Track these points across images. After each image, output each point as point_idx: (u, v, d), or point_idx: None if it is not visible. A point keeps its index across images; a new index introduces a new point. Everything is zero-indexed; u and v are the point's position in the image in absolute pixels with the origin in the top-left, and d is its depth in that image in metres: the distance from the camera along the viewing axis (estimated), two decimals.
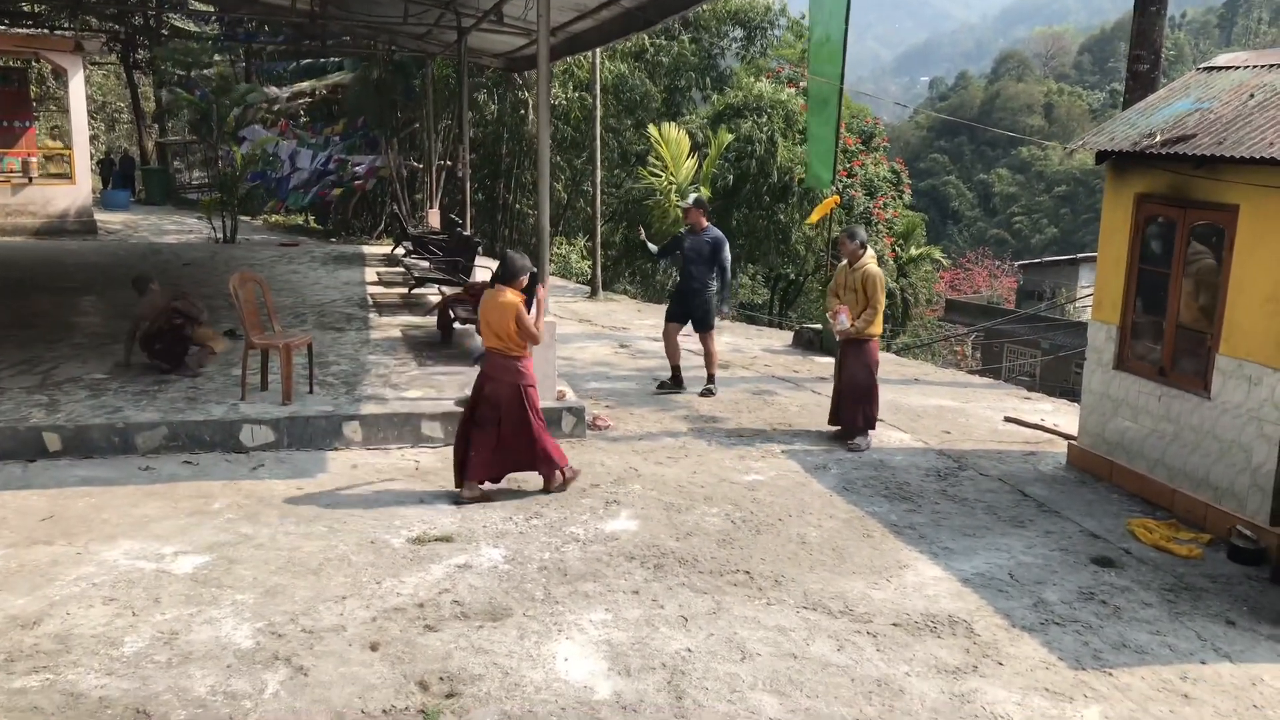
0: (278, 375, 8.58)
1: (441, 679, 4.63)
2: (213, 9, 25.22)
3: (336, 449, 8.06)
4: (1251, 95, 7.13)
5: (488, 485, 7.11)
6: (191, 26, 28.18)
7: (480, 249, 15.18)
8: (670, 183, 21.37)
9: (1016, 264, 49.85)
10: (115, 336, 10.78)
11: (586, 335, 13.24)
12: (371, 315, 12.79)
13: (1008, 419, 10.01)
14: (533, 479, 7.40)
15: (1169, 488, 7.32)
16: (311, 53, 25.08)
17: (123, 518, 6.44)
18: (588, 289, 18.33)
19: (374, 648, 4.89)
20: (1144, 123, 7.74)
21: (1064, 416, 10.10)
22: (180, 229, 23.30)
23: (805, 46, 22.03)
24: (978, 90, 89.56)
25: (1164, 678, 4.94)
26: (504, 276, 6.98)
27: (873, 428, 8.83)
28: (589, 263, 21.70)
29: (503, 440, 6.99)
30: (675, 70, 28.11)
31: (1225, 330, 6.81)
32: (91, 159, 25.08)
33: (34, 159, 21.59)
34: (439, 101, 22.92)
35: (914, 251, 27.98)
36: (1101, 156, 7.97)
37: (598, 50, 16.37)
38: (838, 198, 14.51)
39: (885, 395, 8.96)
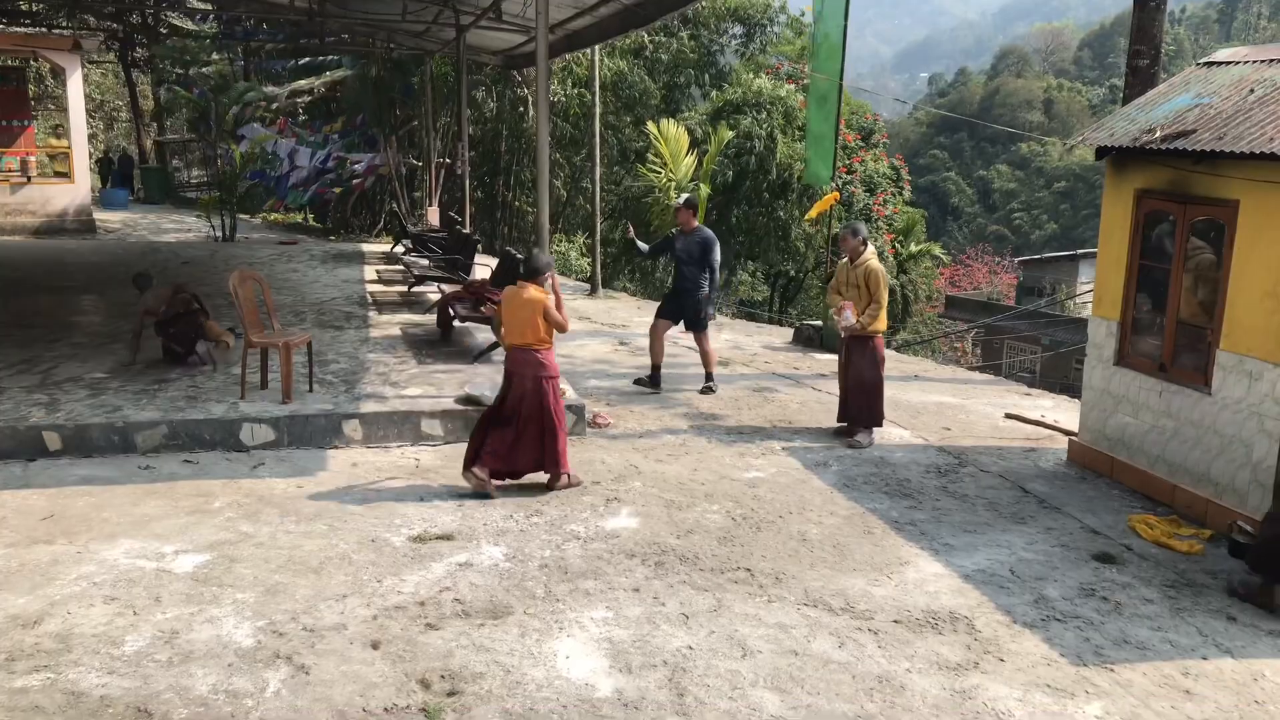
0: (277, 374, 8.57)
1: (443, 677, 4.63)
2: (211, 7, 25.19)
3: (336, 447, 8.06)
4: (1251, 90, 7.12)
5: (495, 482, 7.10)
6: (189, 25, 28.15)
7: (479, 247, 15.18)
8: (670, 180, 21.36)
9: (1016, 260, 49.85)
10: (115, 335, 10.79)
11: (586, 333, 13.23)
12: (371, 313, 12.78)
13: (1008, 415, 10.01)
14: (532, 477, 7.40)
15: (1170, 483, 7.31)
16: (310, 50, 25.06)
17: (123, 517, 6.44)
18: (587, 286, 18.32)
19: (375, 646, 4.89)
20: (1144, 118, 7.73)
21: (1064, 413, 10.10)
22: (179, 227, 23.30)
23: (805, 43, 22.04)
24: (977, 86, 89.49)
25: (1165, 673, 4.94)
26: (528, 273, 7.14)
27: (879, 424, 8.82)
28: (588, 260, 21.70)
29: (519, 436, 7.06)
30: (674, 67, 28.10)
31: (1226, 326, 6.81)
32: (90, 158, 25.05)
33: (32, 158, 21.58)
34: (438, 99, 22.91)
35: (914, 248, 27.97)
36: (1101, 152, 7.96)
37: (597, 47, 16.35)
38: (837, 194, 14.49)
39: (886, 392, 8.94)
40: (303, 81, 24.74)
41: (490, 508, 6.83)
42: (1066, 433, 8.99)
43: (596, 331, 13.52)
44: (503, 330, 7.27)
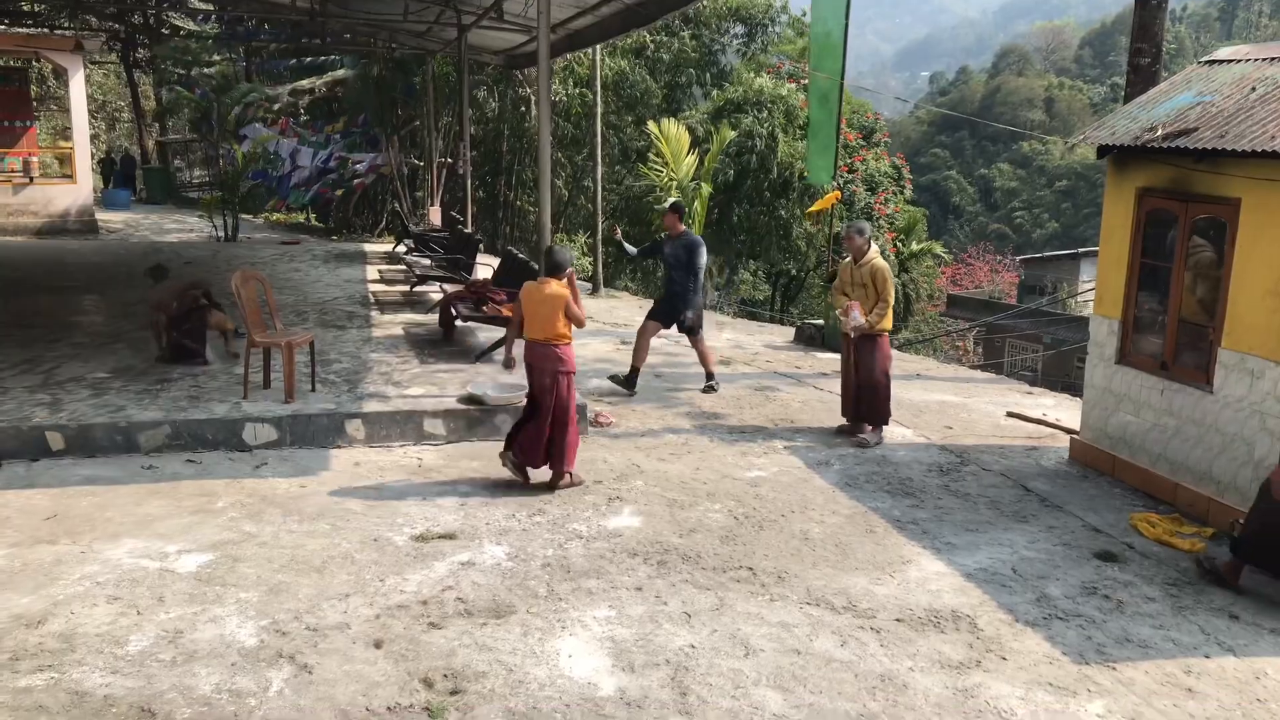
0: (280, 373, 8.58)
1: (446, 676, 4.63)
2: (212, 7, 25.24)
3: (339, 447, 8.07)
4: (1253, 89, 7.12)
5: (530, 473, 7.29)
6: (191, 25, 28.19)
7: (481, 246, 15.19)
8: (671, 179, 21.36)
9: (1018, 259, 49.85)
10: (118, 335, 10.81)
11: (588, 332, 13.22)
12: (373, 313, 12.79)
13: (1010, 414, 10.01)
14: (536, 474, 7.41)
15: (1171, 482, 7.32)
16: (311, 50, 25.09)
17: (126, 516, 6.45)
18: (589, 285, 18.33)
19: (378, 645, 4.90)
20: (1145, 117, 7.73)
21: (1066, 411, 10.10)
22: (181, 228, 23.32)
23: (806, 43, 22.03)
24: (978, 85, 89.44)
25: (1167, 672, 4.94)
26: (549, 269, 7.25)
27: (886, 423, 8.80)
28: (590, 259, 21.71)
29: (539, 429, 7.15)
30: (676, 67, 28.10)
31: (1227, 324, 6.81)
32: (92, 158, 25.08)
33: (35, 159, 21.60)
34: (439, 99, 22.92)
35: (915, 247, 27.97)
36: (1103, 151, 7.96)
37: (598, 47, 16.37)
38: (839, 193, 14.50)
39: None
40: (304, 81, 24.76)
41: (492, 507, 6.83)
42: (1068, 431, 9.00)
43: (598, 331, 13.53)
44: (523, 325, 7.34)
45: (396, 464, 7.74)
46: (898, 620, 5.37)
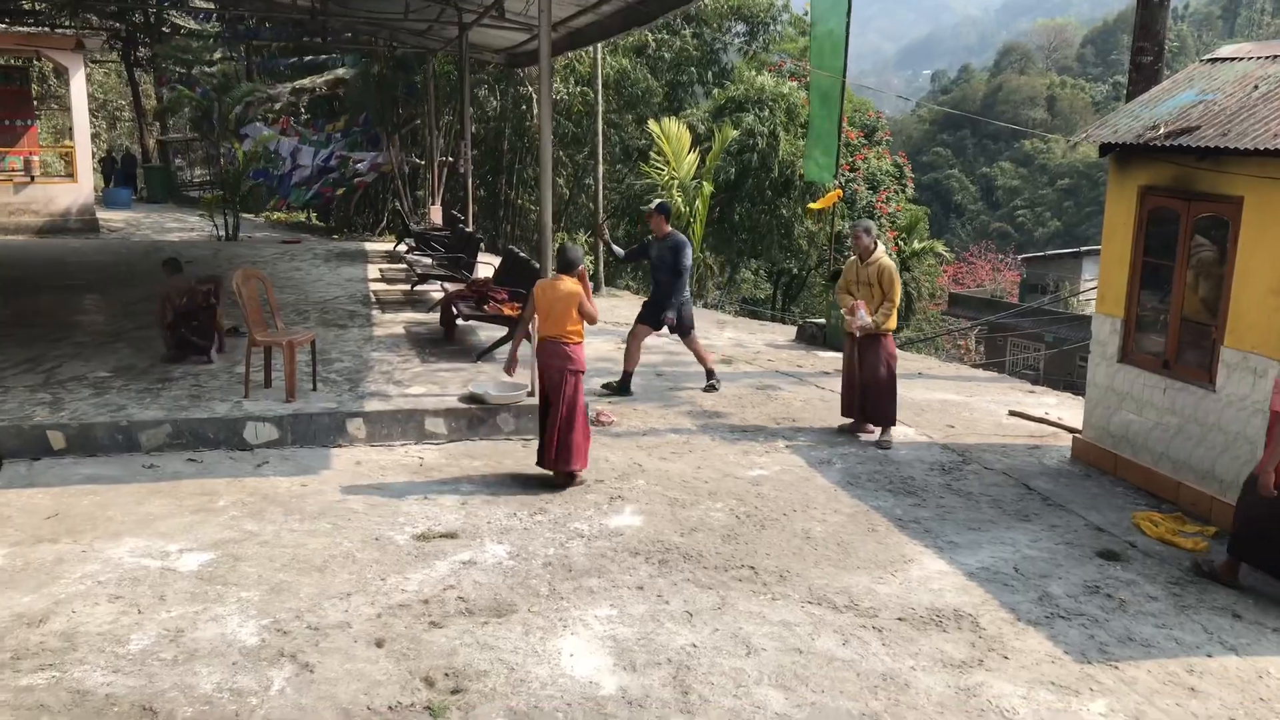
0: (281, 372, 8.58)
1: (447, 675, 4.63)
2: (213, 6, 25.24)
3: (340, 446, 8.06)
4: (1255, 87, 7.11)
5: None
6: (192, 24, 28.20)
7: (482, 245, 15.18)
8: (672, 178, 21.35)
9: (1020, 257, 49.82)
10: (119, 335, 10.81)
11: (589, 331, 13.20)
12: (374, 312, 12.79)
13: (1012, 413, 10.00)
14: (535, 475, 7.41)
15: (1174, 480, 7.31)
16: (312, 49, 25.08)
17: (127, 515, 6.44)
18: (590, 284, 18.31)
19: (379, 644, 4.90)
20: (1148, 115, 7.72)
21: (1068, 410, 10.09)
22: (182, 227, 23.33)
23: (808, 41, 22.00)
24: (980, 83, 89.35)
25: (1170, 671, 4.94)
26: (563, 266, 7.31)
27: (894, 423, 8.78)
28: (591, 258, 21.69)
29: (550, 427, 7.20)
30: (677, 65, 28.09)
31: (1230, 322, 6.80)
32: (93, 157, 25.09)
33: (36, 157, 21.61)
34: (440, 97, 22.90)
35: (917, 245, 27.94)
36: (1105, 149, 7.95)
37: (599, 45, 16.35)
38: (840, 191, 14.48)
39: None
40: (305, 80, 24.76)
41: (494, 506, 6.83)
42: (1070, 430, 8.99)
43: (600, 329, 13.50)
44: (536, 322, 7.38)
45: (398, 463, 7.74)
46: (900, 619, 5.37)
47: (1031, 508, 7.21)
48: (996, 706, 4.54)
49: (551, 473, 7.30)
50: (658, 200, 10.27)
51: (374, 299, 13.76)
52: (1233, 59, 7.93)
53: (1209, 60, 8.24)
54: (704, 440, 8.62)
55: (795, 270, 28.18)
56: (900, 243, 26.55)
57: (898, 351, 9.12)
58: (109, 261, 16.99)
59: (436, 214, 19.36)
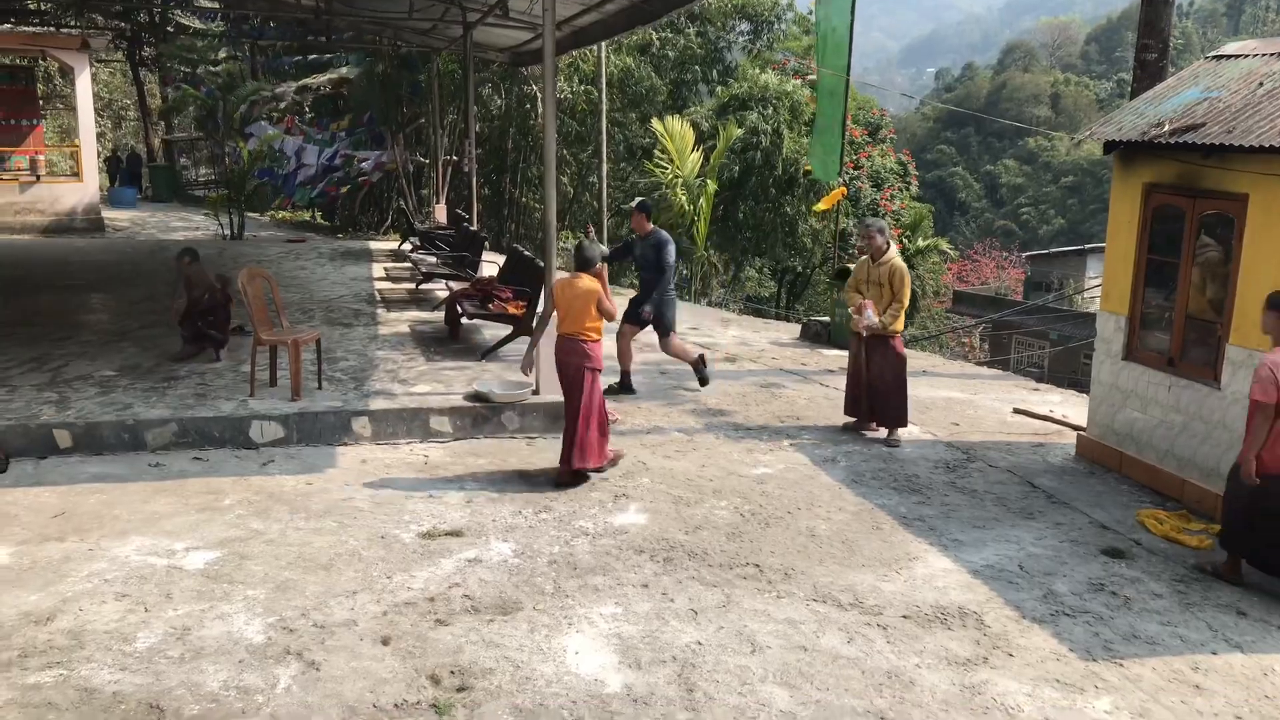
0: (286, 371, 8.60)
1: (453, 673, 4.64)
2: (218, 6, 25.25)
3: (346, 444, 8.08)
4: (1260, 84, 7.10)
5: (606, 460, 7.45)
6: (197, 23, 28.22)
7: (487, 244, 15.20)
8: (676, 176, 21.36)
9: (1024, 255, 49.74)
10: (124, 334, 10.83)
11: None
12: (379, 311, 12.80)
13: (1016, 410, 9.99)
14: (541, 473, 7.42)
15: (1179, 478, 7.30)
16: (316, 48, 25.10)
17: (134, 514, 6.46)
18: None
19: (385, 642, 4.91)
20: (1152, 112, 7.71)
21: (1073, 408, 10.09)
22: (187, 226, 23.37)
23: (812, 40, 22.01)
24: (984, 81, 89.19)
25: (1175, 668, 4.94)
26: (581, 264, 7.38)
27: (904, 424, 8.76)
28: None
29: (572, 419, 7.25)
30: (681, 64, 28.09)
31: (1235, 320, 6.79)
32: (98, 157, 25.14)
33: (41, 157, 21.66)
34: (445, 96, 22.92)
35: (921, 243, 27.90)
36: (1109, 146, 7.94)
37: (603, 44, 16.35)
38: (844, 189, 14.48)
39: None
40: (309, 79, 24.79)
41: (499, 504, 6.84)
42: (1075, 428, 8.98)
43: (606, 329, 13.52)
44: (555, 319, 7.43)
45: (403, 461, 7.75)
46: (904, 617, 5.37)
47: (1036, 505, 7.20)
48: (1001, 704, 4.55)
49: (559, 470, 7.32)
50: (638, 199, 10.16)
51: (379, 298, 13.78)
52: (1238, 56, 7.92)
53: (1214, 57, 8.23)
54: (708, 438, 8.62)
55: (799, 268, 28.16)
56: (905, 240, 26.51)
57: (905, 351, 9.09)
58: (114, 261, 17.02)
59: (441, 213, 19.38)
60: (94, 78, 26.03)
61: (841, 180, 13.97)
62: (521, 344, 10.10)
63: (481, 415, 8.45)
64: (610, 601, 5.43)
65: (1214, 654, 5.10)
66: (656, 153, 22.56)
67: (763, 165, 24.39)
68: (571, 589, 5.57)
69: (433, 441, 8.26)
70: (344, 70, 24.58)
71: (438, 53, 20.94)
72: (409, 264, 15.91)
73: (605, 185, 18.27)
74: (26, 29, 21.26)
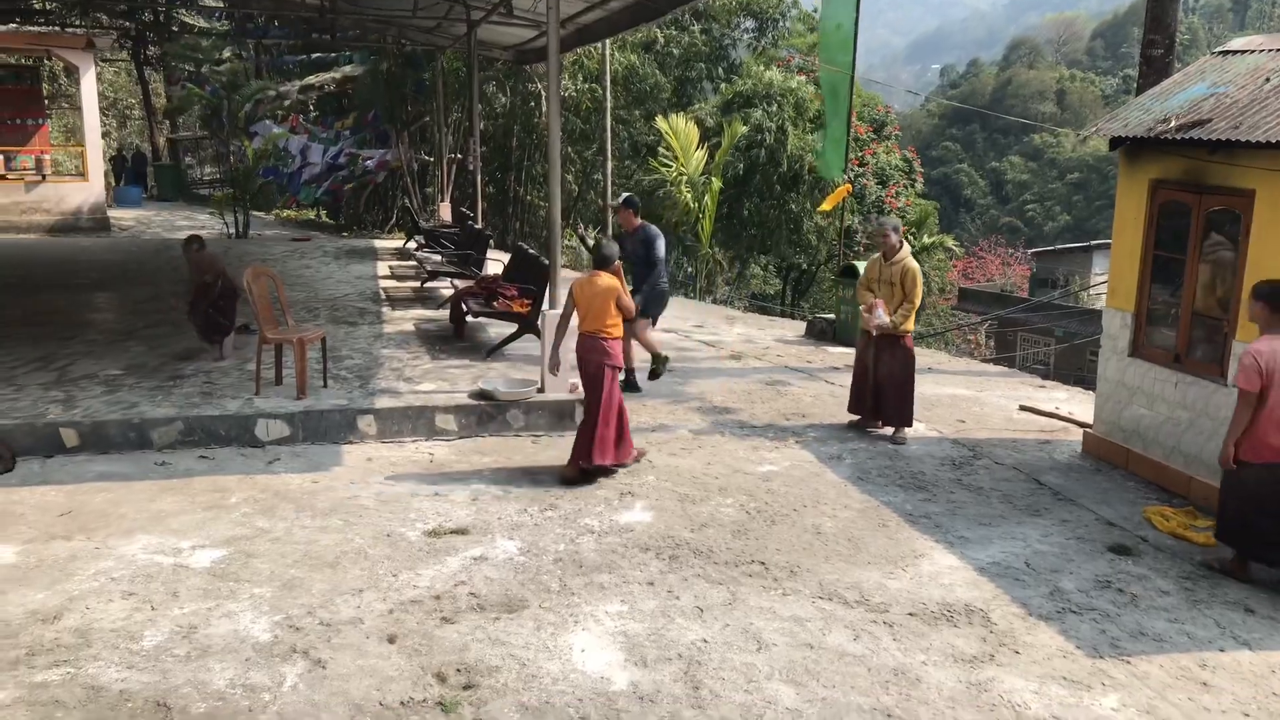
0: (292, 370, 8.61)
1: (459, 671, 4.64)
2: (222, 4, 25.28)
3: (351, 443, 8.09)
4: (1267, 79, 7.07)
5: (631, 457, 7.53)
6: (202, 22, 28.26)
7: (491, 242, 15.20)
8: (681, 174, 21.34)
9: (1029, 252, 49.66)
10: (130, 333, 10.85)
11: None
12: (384, 309, 12.81)
13: (1022, 408, 9.98)
14: (546, 471, 7.42)
15: (1185, 475, 7.28)
16: (321, 46, 25.12)
17: (140, 512, 6.47)
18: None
19: (391, 640, 4.91)
20: (1158, 108, 7.69)
21: (1079, 404, 10.07)
22: (193, 225, 23.39)
23: (816, 37, 21.98)
24: (989, 77, 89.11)
25: (1182, 665, 4.93)
26: (600, 262, 7.47)
27: (910, 424, 8.75)
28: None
29: (590, 423, 7.30)
30: (686, 61, 28.07)
31: (1241, 316, 6.76)
32: (103, 156, 25.19)
33: (47, 156, 21.70)
34: (449, 94, 22.92)
35: (927, 240, 27.88)
36: (1115, 143, 7.92)
37: (607, 41, 16.34)
38: (849, 186, 14.47)
39: None
40: (313, 77, 24.80)
41: (504, 502, 6.84)
42: (1081, 425, 8.97)
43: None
44: (576, 317, 7.49)
45: (408, 459, 7.76)
46: (911, 614, 5.36)
47: (1042, 503, 7.19)
48: (1008, 701, 4.54)
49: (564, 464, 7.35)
50: (624, 195, 10.06)
51: (384, 296, 13.79)
52: (1244, 51, 7.89)
53: (1220, 53, 8.20)
54: (713, 436, 8.62)
55: (804, 265, 28.14)
56: (910, 237, 26.49)
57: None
58: (120, 260, 17.06)
59: (446, 211, 19.39)
60: (99, 77, 26.10)
61: (846, 177, 13.96)
62: (526, 342, 10.12)
63: (487, 413, 8.46)
64: (616, 599, 5.43)
65: (1222, 651, 5.09)
66: (661, 150, 22.55)
67: (767, 162, 24.37)
68: (577, 587, 5.57)
69: (438, 440, 8.26)
70: (348, 69, 24.58)
71: (442, 51, 20.94)
72: (414, 262, 15.91)
73: (610, 183, 18.25)
74: (32, 29, 21.32)
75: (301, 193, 23.43)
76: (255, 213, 23.28)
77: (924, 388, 10.69)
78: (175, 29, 28.91)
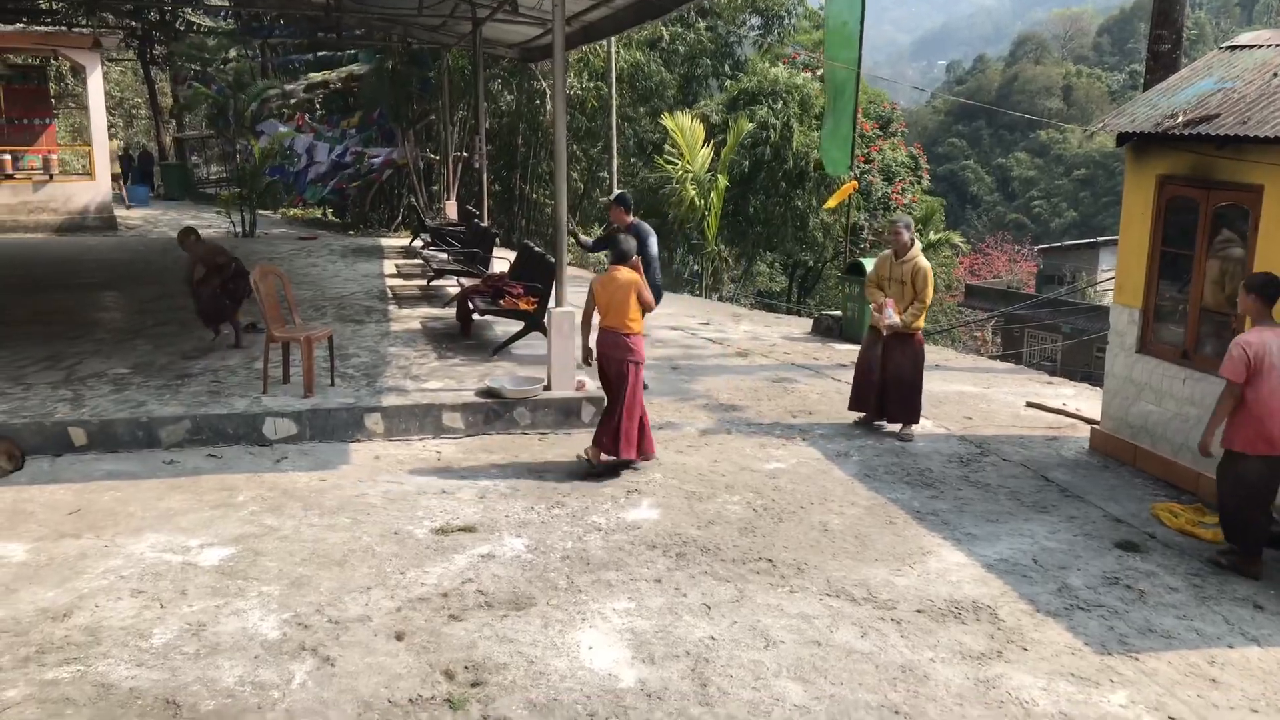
0: (299, 368, 8.62)
1: (467, 668, 4.65)
2: (228, 4, 25.32)
3: (358, 441, 8.10)
4: (1275, 74, 7.05)
5: (607, 458, 7.46)
6: (207, 22, 28.29)
7: (497, 240, 15.20)
8: (686, 171, 21.33)
9: (1036, 248, 49.50)
10: (137, 332, 10.88)
11: None
12: (391, 307, 12.83)
13: (1029, 404, 9.96)
14: (553, 469, 7.43)
15: (1194, 471, 7.26)
16: (327, 45, 25.14)
17: (148, 511, 6.49)
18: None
19: (399, 637, 4.92)
20: (1166, 103, 7.67)
21: (1086, 401, 10.05)
22: (199, 224, 23.38)
23: (822, 34, 21.94)
24: (995, 74, 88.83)
25: (1191, 662, 4.92)
26: (620, 258, 7.50)
27: (917, 421, 8.74)
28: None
29: (612, 416, 7.37)
30: (691, 58, 28.05)
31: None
32: (112, 155, 25.24)
33: (54, 156, 21.75)
34: (455, 93, 22.94)
35: (933, 237, 27.79)
36: (1122, 138, 7.90)
37: (613, 39, 16.35)
38: (855, 183, 14.46)
39: None
40: (318, 75, 24.82)
41: (511, 499, 6.85)
42: (1088, 421, 8.95)
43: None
44: (596, 313, 7.55)
45: (415, 457, 7.77)
46: (918, 611, 5.36)
47: (1050, 499, 7.18)
48: (1016, 698, 4.53)
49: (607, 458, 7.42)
50: (616, 192, 10.03)
51: (390, 294, 13.81)
52: (1252, 46, 7.87)
53: (1228, 48, 8.18)
54: (720, 434, 8.62)
55: (810, 262, 28.11)
56: (916, 234, 26.45)
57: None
58: (126, 259, 17.10)
59: (452, 209, 19.40)
60: (105, 76, 26.14)
61: (852, 174, 13.94)
62: (532, 340, 10.13)
63: (494, 411, 8.46)
64: (623, 597, 5.43)
65: (1230, 648, 5.08)
66: (667, 148, 22.54)
67: (773, 159, 24.35)
68: (584, 584, 5.57)
69: (445, 437, 8.27)
70: (354, 67, 24.60)
71: (448, 49, 20.94)
72: (420, 260, 15.92)
73: (616, 181, 18.25)
74: (39, 29, 21.33)
75: (308, 191, 23.46)
76: (262, 211, 23.29)
77: (931, 384, 10.66)
78: (181, 28, 28.93)
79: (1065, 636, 5.13)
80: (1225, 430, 5.96)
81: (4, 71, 21.72)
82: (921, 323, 8.57)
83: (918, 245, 8.64)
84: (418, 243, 18.23)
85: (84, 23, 22.41)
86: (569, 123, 23.17)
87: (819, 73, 24.32)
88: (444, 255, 14.60)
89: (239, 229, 21.09)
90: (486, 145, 18.72)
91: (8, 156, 20.93)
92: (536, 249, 11.90)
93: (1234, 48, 8.08)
